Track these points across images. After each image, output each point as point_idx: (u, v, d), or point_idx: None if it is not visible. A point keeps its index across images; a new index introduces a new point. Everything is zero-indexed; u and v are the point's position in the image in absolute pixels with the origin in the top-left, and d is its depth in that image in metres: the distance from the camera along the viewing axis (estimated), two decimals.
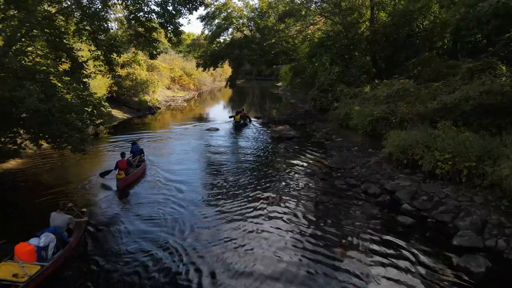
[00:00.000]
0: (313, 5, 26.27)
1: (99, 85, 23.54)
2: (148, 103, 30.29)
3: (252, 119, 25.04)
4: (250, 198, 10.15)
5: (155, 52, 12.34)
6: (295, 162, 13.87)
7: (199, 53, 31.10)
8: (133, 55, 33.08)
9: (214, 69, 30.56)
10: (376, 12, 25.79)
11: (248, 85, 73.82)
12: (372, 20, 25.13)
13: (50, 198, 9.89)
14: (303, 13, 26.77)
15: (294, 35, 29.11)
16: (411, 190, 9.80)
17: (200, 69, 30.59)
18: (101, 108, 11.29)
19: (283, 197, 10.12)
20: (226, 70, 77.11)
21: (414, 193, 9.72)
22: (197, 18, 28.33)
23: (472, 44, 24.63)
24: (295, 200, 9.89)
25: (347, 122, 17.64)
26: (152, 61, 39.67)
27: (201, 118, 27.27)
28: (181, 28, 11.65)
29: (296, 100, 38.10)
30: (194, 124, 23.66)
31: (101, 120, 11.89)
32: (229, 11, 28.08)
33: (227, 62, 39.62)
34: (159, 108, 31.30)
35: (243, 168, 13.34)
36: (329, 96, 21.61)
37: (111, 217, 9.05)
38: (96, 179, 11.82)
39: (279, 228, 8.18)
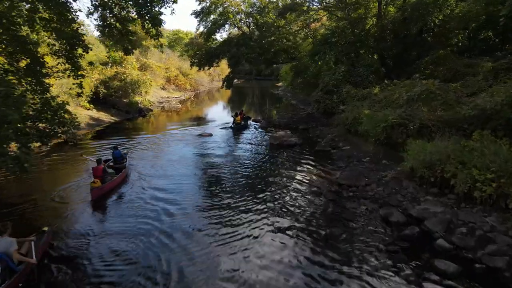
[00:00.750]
0: None
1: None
2: (139, 105, 28.30)
3: (251, 122, 23.13)
4: (237, 224, 8.18)
5: (130, 47, 10.36)
6: (297, 177, 11.85)
7: (193, 51, 29.00)
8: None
9: (209, 68, 28.57)
10: (384, 6, 23.81)
11: (247, 85, 71.96)
12: (379, 15, 23.14)
13: (11, 213, 8.65)
14: (305, 8, 24.77)
15: (296, 32, 27.08)
16: (444, 219, 7.79)
17: (197, 68, 28.48)
18: (63, 114, 9.27)
19: (282, 226, 8.12)
20: (224, 69, 75.28)
21: (449, 223, 7.71)
22: (191, 14, 26.35)
23: (486, 42, 22.74)
24: (298, 232, 7.88)
25: (355, 127, 15.63)
26: (145, 60, 37.82)
27: (195, 122, 25.28)
28: (162, 18, 9.68)
29: (297, 101, 36.08)
30: (186, 128, 21.66)
31: (65, 129, 9.90)
32: (225, 6, 26.06)
33: (225, 61, 37.89)
34: (151, 110, 29.31)
35: (234, 183, 11.36)
36: (334, 98, 19.60)
37: (80, 235, 7.87)
38: (70, 189, 10.66)
39: (273, 278, 6.18)
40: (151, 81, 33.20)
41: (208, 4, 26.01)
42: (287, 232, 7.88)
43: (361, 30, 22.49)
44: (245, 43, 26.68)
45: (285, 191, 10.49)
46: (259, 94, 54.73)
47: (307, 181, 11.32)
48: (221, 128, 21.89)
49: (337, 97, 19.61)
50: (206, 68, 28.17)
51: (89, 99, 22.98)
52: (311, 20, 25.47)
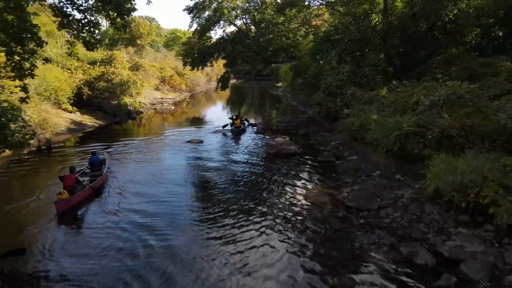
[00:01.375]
0: None
1: (60, 87, 19.77)
2: (129, 107, 26.53)
3: (247, 125, 21.40)
4: (220, 256, 6.42)
5: (93, 41, 8.57)
6: (296, 196, 10.08)
7: (186, 50, 27.16)
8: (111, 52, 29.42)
9: (202, 69, 26.75)
10: (391, 1, 22.02)
11: (247, 85, 70.29)
12: (385, 10, 21.35)
13: None
14: (306, 3, 23.00)
15: (296, 29, 25.28)
16: (486, 262, 6.02)
17: (195, 68, 26.63)
18: (8, 121, 7.50)
19: (271, 276, 6.33)
20: (222, 69, 73.42)
21: (493, 268, 5.94)
22: (184, 10, 24.61)
23: (499, 40, 21.00)
24: (293, 281, 6.10)
25: (362, 134, 13.85)
26: (137, 59, 36.05)
27: (186, 125, 23.51)
28: (131, 6, 7.92)
29: (297, 102, 34.31)
30: (176, 133, 19.90)
31: (18, 139, 8.14)
32: (220, 1, 24.26)
33: (224, 61, 36.02)
34: (142, 113, 27.52)
35: (217, 202, 9.60)
36: (337, 100, 17.81)
37: (38, 260, 6.71)
38: (36, 201, 9.59)
39: None
40: (142, 81, 31.44)
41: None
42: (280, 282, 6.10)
43: (367, 27, 20.70)
44: (241, 41, 24.89)
45: (279, 218, 8.65)
46: (258, 95, 53.00)
47: (307, 203, 9.54)
48: (215, 132, 20.18)
49: (341, 100, 17.82)
50: (200, 68, 26.31)
51: (71, 101, 21.22)
52: (312, 15, 23.67)
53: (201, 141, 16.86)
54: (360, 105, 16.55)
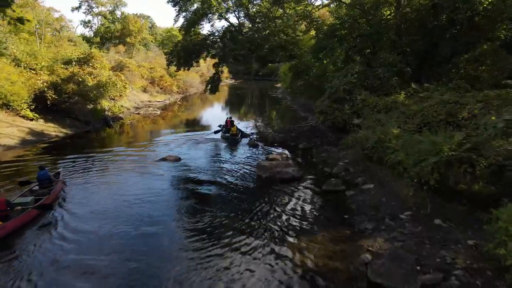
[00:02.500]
0: None
1: (12, 90, 16.64)
2: (106, 112, 23.45)
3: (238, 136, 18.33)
4: None
5: None
6: (294, 256, 6.92)
7: (171, 48, 23.96)
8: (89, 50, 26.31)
9: (188, 69, 23.54)
10: None
11: (245, 86, 67.33)
12: (398, 2, 18.22)
13: None
14: None
15: (295, 23, 22.14)
16: None
17: (181, 68, 23.43)
18: None
19: None
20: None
21: None
22: (167, 2, 21.43)
23: None
24: None
25: (380, 153, 10.72)
26: (121, 59, 32.98)
27: (169, 134, 20.43)
28: None
29: (297, 106, 31.18)
30: (154, 144, 16.85)
31: None
32: None
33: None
34: (122, 118, 24.42)
35: (178, 253, 6.49)
36: (345, 108, 14.65)
37: None
38: None
39: None
40: (125, 83, 28.36)
41: None
42: None
43: (379, 20, 17.55)
44: (233, 38, 21.78)
45: None
46: (256, 97, 49.89)
47: (309, 268, 6.39)
48: (201, 142, 17.15)
49: (350, 107, 14.66)
50: (186, 68, 23.11)
51: (32, 106, 18.11)
52: (314, 7, 20.50)
53: (178, 159, 13.71)
54: (374, 113, 13.44)
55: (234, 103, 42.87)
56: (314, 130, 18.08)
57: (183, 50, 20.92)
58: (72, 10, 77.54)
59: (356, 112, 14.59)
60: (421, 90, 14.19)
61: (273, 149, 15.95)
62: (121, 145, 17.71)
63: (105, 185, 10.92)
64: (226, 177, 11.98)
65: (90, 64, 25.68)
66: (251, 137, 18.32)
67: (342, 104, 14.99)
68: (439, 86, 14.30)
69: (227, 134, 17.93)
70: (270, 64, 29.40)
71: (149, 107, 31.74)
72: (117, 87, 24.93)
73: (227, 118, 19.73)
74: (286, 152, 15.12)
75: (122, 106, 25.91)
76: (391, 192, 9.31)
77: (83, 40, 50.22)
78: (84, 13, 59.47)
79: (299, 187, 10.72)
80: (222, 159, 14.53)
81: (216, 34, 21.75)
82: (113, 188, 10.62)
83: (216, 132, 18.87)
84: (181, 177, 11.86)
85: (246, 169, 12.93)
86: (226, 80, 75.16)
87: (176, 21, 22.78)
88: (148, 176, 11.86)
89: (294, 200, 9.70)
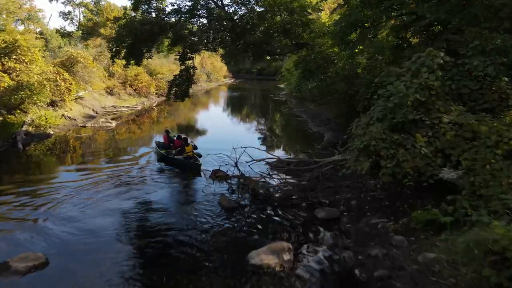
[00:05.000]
0: None
1: None
2: (24, 127, 15.77)
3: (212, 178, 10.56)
4: None
5: None
6: None
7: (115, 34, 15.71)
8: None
9: (138, 64, 15.35)
10: None
11: (244, 87, 59.81)
12: None
13: None
14: None
15: None
16: None
17: (130, 64, 15.45)
18: None
19: None
20: (216, 64, 62.35)
21: None
22: None
23: None
24: None
25: None
26: (71, 50, 25.24)
27: (98, 162, 12.72)
28: None
29: (306, 116, 23.24)
30: (55, 188, 9.10)
31: None
32: None
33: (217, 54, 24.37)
34: (49, 136, 16.62)
35: None
36: (415, 143, 6.63)
37: None
38: None
39: None
40: (71, 83, 20.69)
41: None
42: None
43: None
44: (210, 16, 13.88)
45: None
46: (254, 100, 42.01)
47: None
48: (132, 180, 9.47)
49: (428, 139, 6.71)
50: (135, 63, 14.99)
51: None
52: None
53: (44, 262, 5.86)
54: (485, 155, 5.56)
55: (223, 110, 35.02)
56: (340, 167, 10.11)
57: (129, 34, 12.96)
58: (50, 0, 69.48)
59: (442, 150, 6.68)
60: None
61: (267, 211, 8.18)
62: (16, 182, 10.10)
63: None
64: None
65: (14, 56, 18.06)
66: (211, 175, 10.50)
67: (408, 133, 7.01)
68: None
69: (179, 156, 11.94)
70: (267, 57, 21.22)
71: (109, 115, 24.05)
72: (46, 90, 17.20)
73: (169, 134, 13.73)
74: (286, 237, 7.23)
75: (55, 117, 18.13)
76: None
77: (56, 33, 42.34)
78: (63, 3, 51.84)
79: None
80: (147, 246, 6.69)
81: (180, 10, 13.62)
82: None
83: (162, 157, 12.75)
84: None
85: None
86: (225, 79, 67.70)
87: None
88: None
89: None
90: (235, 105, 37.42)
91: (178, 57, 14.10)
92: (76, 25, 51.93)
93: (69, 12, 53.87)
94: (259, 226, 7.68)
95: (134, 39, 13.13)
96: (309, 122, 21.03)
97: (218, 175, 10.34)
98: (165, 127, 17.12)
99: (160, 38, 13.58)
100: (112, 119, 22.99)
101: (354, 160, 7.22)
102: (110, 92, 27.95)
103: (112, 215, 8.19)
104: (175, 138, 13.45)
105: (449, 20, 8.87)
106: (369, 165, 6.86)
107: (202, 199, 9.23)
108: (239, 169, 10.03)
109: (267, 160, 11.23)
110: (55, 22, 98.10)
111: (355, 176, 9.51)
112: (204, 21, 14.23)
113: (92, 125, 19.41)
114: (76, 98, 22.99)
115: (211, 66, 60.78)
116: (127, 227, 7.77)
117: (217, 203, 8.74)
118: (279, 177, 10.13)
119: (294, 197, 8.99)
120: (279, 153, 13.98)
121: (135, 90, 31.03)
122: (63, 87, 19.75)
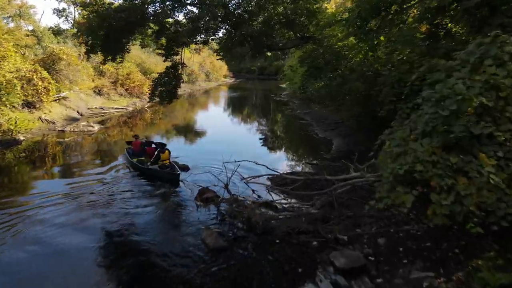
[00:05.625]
0: None
1: None
2: None
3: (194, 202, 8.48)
4: None
5: None
6: None
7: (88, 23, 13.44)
8: None
9: (113, 60, 13.05)
10: None
11: (245, 86, 58.02)
12: None
13: None
14: None
15: None
16: None
17: (108, 61, 13.27)
18: None
19: None
20: (215, 62, 59.91)
21: None
22: None
23: None
24: None
25: None
26: (53, 46, 23.22)
27: (61, 178, 10.64)
28: None
29: (310, 118, 21.16)
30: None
31: None
32: None
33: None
34: (18, 143, 14.54)
35: None
36: (483, 172, 4.57)
37: None
38: None
39: None
40: (49, 82, 18.66)
41: None
42: None
43: None
44: (200, 1, 11.76)
45: None
46: (254, 101, 39.95)
47: None
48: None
49: (499, 162, 4.62)
50: (111, 59, 12.71)
51: None
52: None
53: None
54: None
55: (224, 111, 33.01)
56: (359, 189, 7.99)
57: (101, 24, 10.79)
58: None
59: None
60: None
61: (266, 254, 6.07)
62: None
63: None
64: None
65: None
66: (200, 201, 8.30)
67: (472, 154, 4.88)
68: None
69: (154, 166, 10.23)
70: (268, 54, 19.12)
71: (97, 116, 22.06)
72: (17, 90, 15.16)
73: (139, 139, 11.88)
74: None
75: (31, 120, 16.09)
76: None
77: (49, 30, 40.20)
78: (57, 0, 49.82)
79: None
80: None
81: None
82: None
83: (133, 166, 10.93)
84: None
85: None
86: (225, 79, 65.80)
87: None
88: None
89: None
90: (234, 106, 35.40)
91: (164, 52, 11.90)
92: (71, 22, 49.94)
93: (64, 9, 51.82)
94: (254, 280, 5.58)
95: (108, 30, 10.98)
96: (314, 126, 18.91)
97: (205, 197, 8.26)
98: (160, 130, 15.03)
99: (140, 29, 11.43)
100: (100, 121, 20.99)
101: (389, 191, 5.11)
102: (98, 92, 25.90)
103: (58, 254, 6.15)
104: (144, 142, 11.62)
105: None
106: (413, 200, 4.75)
107: (181, 231, 7.17)
108: (229, 192, 7.94)
109: (266, 176, 9.15)
110: (50, 20, 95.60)
111: (367, 189, 7.42)
112: (194, 9, 12.08)
113: (72, 130, 17.32)
114: (58, 99, 21.01)
115: (210, 65, 58.79)
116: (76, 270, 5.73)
117: (201, 240, 6.66)
118: (281, 201, 8.05)
119: (301, 230, 6.88)
120: (282, 164, 11.86)
121: (126, 90, 28.98)
122: (40, 87, 17.71)
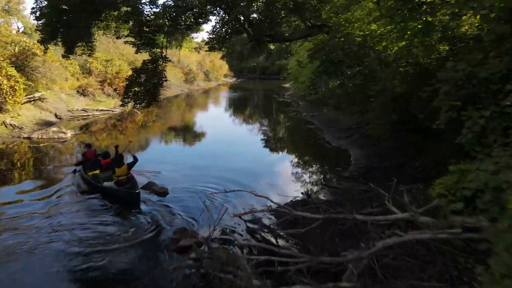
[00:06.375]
0: None
1: None
2: None
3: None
4: None
5: None
6: None
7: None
8: None
9: (71, 51, 10.50)
10: None
11: (247, 86, 55.81)
12: None
13: None
14: None
15: None
16: None
17: (68, 55, 10.76)
18: None
19: None
20: (216, 61, 57.38)
21: None
22: None
23: None
24: None
25: None
26: (27, 41, 20.70)
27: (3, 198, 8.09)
28: None
29: (318, 122, 18.55)
30: None
31: None
32: None
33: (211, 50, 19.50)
34: None
35: None
36: None
37: None
38: None
39: None
40: (17, 80, 16.16)
41: None
42: None
43: None
44: None
45: None
46: (255, 102, 37.37)
47: None
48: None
49: None
50: (70, 51, 10.12)
51: None
52: None
53: None
54: None
55: (223, 113, 30.47)
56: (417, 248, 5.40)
57: (50, 4, 8.18)
58: None
59: None
60: None
61: None
62: None
63: None
64: None
65: None
66: (174, 240, 5.74)
67: None
68: None
69: (109, 183, 8.26)
70: (271, 45, 16.47)
71: (79, 119, 19.59)
72: None
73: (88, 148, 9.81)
74: None
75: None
76: None
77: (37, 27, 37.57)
78: None
79: None
80: None
81: None
82: None
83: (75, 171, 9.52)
84: None
85: None
86: (225, 78, 63.47)
87: None
88: None
89: None
90: (234, 108, 32.84)
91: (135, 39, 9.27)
92: None
93: None
94: None
95: (67, 16, 8.40)
96: (324, 132, 16.29)
97: (181, 246, 5.68)
98: (148, 134, 12.30)
99: (104, 11, 8.82)
100: (81, 126, 18.52)
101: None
102: (82, 92, 23.40)
103: None
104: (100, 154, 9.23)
105: None
106: None
107: None
108: (209, 247, 5.38)
109: (265, 211, 6.59)
110: None
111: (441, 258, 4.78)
112: None
113: (40, 136, 14.75)
114: (32, 100, 18.53)
115: (210, 65, 56.39)
116: None
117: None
118: (292, 251, 5.44)
119: None
120: (289, 187, 9.23)
121: (115, 90, 26.47)
122: (5, 86, 15.21)
